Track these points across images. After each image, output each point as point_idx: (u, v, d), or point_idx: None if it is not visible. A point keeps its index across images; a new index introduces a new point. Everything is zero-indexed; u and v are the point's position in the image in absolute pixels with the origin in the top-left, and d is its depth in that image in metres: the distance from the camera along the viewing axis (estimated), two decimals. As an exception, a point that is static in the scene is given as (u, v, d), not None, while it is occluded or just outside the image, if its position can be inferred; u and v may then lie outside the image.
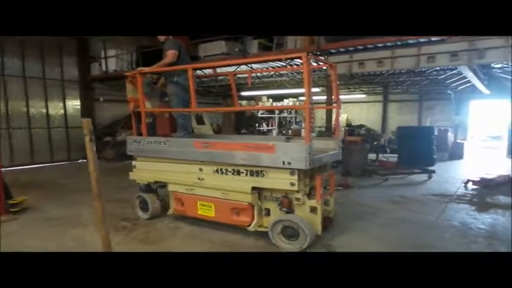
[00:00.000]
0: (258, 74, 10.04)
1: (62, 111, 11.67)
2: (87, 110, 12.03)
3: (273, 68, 9.03)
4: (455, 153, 12.00)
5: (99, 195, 2.24)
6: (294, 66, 8.52)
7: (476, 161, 11.55)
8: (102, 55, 11.35)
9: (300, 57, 3.77)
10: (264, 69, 8.99)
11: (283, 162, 3.82)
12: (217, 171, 4.43)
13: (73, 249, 3.99)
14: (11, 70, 10.22)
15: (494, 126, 14.54)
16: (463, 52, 6.01)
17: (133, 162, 5.26)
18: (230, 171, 4.32)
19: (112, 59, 11.20)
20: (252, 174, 4.16)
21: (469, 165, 10.80)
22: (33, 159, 10.88)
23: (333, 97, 5.04)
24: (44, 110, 11.20)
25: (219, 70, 8.25)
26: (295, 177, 3.85)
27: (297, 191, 3.95)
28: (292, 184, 3.88)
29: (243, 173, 4.22)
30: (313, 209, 4.03)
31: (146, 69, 5.10)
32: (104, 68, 11.40)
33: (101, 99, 12.37)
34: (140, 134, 5.14)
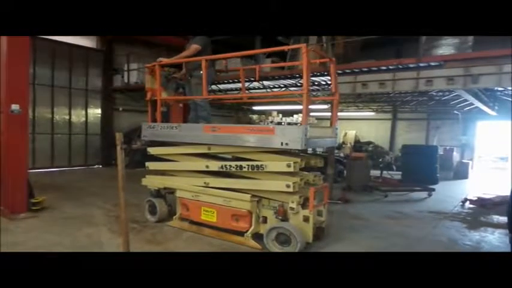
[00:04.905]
0: (269, 90, 10.51)
1: (84, 119, 12.39)
2: (107, 118, 12.75)
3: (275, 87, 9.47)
4: (460, 172, 12.12)
5: (123, 187, 3.08)
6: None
7: (480, 181, 11.61)
8: (125, 68, 12.12)
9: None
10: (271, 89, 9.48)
11: (282, 143, 4.20)
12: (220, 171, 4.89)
13: (85, 244, 4.45)
14: (41, 79, 11.03)
15: (502, 147, 14.53)
16: (459, 77, 6.32)
17: (147, 164, 5.66)
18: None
19: (134, 71, 11.92)
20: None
21: (472, 185, 10.90)
22: (53, 163, 11.56)
23: (332, 88, 5.29)
24: (67, 117, 11.93)
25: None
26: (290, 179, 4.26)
27: (292, 193, 4.28)
28: (288, 186, 4.26)
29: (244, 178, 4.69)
30: (306, 219, 4.39)
31: (165, 60, 5.43)
32: (125, 80, 12.15)
33: (120, 109, 13.07)
34: (155, 121, 5.56)
